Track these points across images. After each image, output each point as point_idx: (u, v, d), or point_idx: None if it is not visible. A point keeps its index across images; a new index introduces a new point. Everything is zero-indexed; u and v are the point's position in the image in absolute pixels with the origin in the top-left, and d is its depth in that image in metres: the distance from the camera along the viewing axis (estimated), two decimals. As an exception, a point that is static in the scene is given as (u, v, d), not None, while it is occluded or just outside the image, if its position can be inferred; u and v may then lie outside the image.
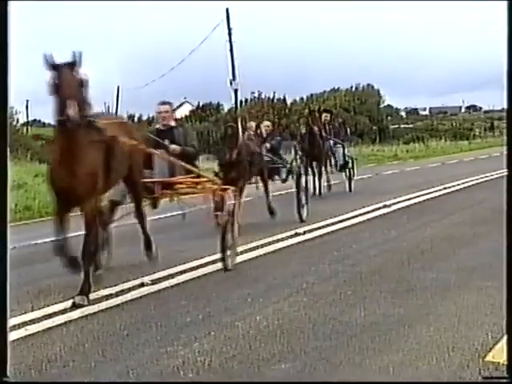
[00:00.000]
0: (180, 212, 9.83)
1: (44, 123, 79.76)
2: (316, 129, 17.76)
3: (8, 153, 4.56)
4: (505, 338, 4.87)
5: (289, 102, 60.01)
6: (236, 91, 36.81)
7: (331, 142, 18.78)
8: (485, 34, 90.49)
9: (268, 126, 15.12)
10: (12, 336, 5.82)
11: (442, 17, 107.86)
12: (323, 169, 18.26)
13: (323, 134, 18.15)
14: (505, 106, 4.54)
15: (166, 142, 9.66)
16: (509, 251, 4.51)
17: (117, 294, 7.47)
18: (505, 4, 4.55)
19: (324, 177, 18.34)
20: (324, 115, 19.37)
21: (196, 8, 78.78)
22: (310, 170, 17.77)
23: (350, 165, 19.31)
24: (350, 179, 19.14)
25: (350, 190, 18.93)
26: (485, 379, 4.88)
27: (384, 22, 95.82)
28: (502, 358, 4.87)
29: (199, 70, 62.67)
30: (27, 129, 63.57)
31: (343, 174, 19.21)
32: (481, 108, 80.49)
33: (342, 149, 19.16)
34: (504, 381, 4.60)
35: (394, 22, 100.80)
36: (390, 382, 5.04)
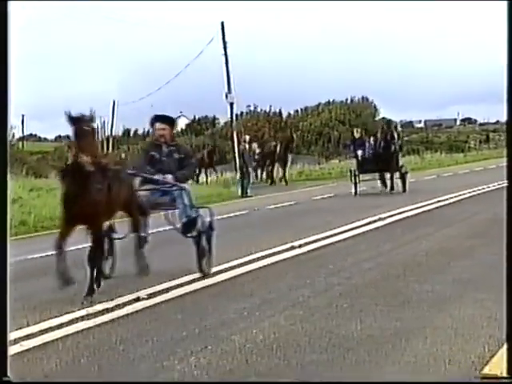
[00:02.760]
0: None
1: (40, 138, 79.84)
2: (86, 160, 7.69)
3: (8, 168, 4.59)
4: (504, 336, 4.86)
5: (284, 115, 60.13)
6: (232, 105, 36.78)
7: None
8: (480, 47, 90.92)
9: None
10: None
11: (437, 30, 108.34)
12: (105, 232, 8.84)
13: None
14: (504, 117, 4.55)
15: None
16: (509, 260, 4.52)
17: (112, 309, 7.46)
18: (505, 4, 4.57)
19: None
20: (159, 126, 9.60)
21: (192, 22, 79.07)
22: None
23: (201, 226, 9.39)
24: (199, 256, 9.16)
25: (203, 271, 9.10)
26: (485, 379, 4.89)
27: (379, 35, 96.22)
28: (499, 371, 4.87)
29: (195, 84, 62.66)
30: (23, 144, 63.63)
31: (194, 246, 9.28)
32: (476, 121, 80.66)
33: (183, 195, 9.33)
34: (504, 381, 4.60)
35: (388, 35, 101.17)
36: (390, 381, 5.05)
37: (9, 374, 4.49)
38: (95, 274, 8.12)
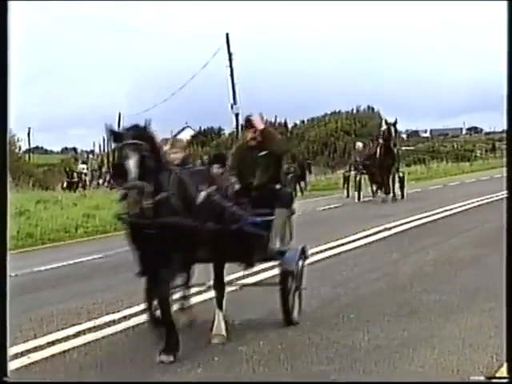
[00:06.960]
0: None
1: (46, 150, 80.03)
2: None
3: (8, 179, 4.59)
4: (504, 337, 4.85)
5: (290, 125, 60.16)
6: (237, 115, 36.93)
7: None
8: (485, 56, 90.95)
9: None
10: (15, 364, 5.81)
11: (442, 40, 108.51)
12: None
13: None
14: (505, 126, 4.54)
15: None
16: (509, 275, 4.51)
17: (119, 321, 7.46)
18: (505, 4, 4.57)
19: None
20: None
21: (197, 33, 79.52)
22: None
23: None
24: None
25: None
26: (487, 379, 4.87)
27: (384, 45, 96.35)
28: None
29: (200, 95, 62.91)
30: (29, 156, 63.78)
31: None
32: (482, 130, 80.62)
33: None
34: (505, 381, 4.58)
35: (394, 45, 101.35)
36: (390, 381, 5.03)
37: (8, 373, 4.49)
38: None
